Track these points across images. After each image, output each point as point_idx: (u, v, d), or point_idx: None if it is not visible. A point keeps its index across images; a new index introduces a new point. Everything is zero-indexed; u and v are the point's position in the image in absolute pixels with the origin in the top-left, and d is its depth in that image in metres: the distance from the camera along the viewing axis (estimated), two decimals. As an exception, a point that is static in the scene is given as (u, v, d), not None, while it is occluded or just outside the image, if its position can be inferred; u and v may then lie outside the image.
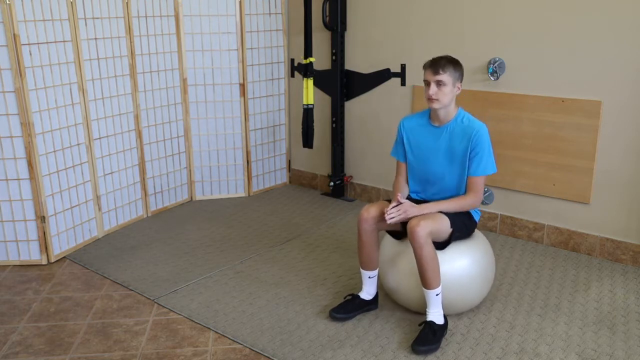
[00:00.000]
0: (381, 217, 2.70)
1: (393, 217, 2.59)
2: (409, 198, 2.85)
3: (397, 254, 2.77)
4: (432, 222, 2.55)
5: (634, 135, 3.21)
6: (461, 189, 2.74)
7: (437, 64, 2.62)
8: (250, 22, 4.32)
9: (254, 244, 3.70)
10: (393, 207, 2.61)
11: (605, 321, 2.76)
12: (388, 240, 2.87)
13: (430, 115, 2.78)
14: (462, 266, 2.69)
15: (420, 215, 2.60)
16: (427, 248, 2.51)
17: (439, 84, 2.61)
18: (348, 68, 4.32)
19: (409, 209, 2.61)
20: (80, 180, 3.61)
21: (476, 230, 2.88)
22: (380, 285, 2.98)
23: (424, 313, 2.66)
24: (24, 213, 3.36)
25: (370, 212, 2.71)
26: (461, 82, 2.69)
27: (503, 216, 3.76)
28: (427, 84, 2.64)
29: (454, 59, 2.67)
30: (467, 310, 2.82)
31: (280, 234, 3.84)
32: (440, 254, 2.64)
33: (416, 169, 2.83)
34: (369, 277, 2.84)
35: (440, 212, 2.64)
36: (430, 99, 2.64)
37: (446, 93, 2.62)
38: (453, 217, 2.65)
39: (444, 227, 2.61)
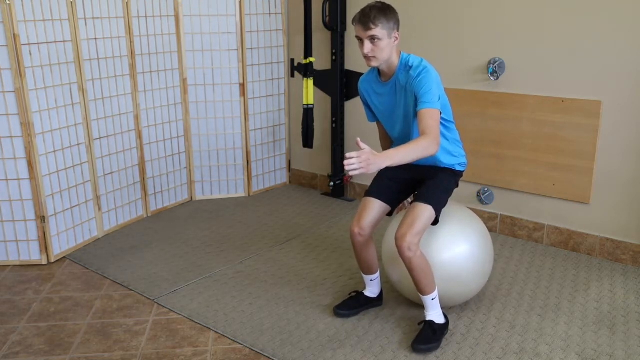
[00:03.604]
0: (373, 225, 2.65)
1: (354, 168, 2.12)
2: (390, 182, 2.74)
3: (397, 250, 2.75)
4: (417, 229, 2.43)
5: (634, 135, 3.21)
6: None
7: (367, 18, 2.34)
8: (250, 22, 4.32)
9: (254, 244, 3.70)
10: (354, 154, 2.16)
11: (605, 321, 2.76)
12: (390, 234, 2.83)
13: (378, 70, 2.58)
14: (460, 254, 2.65)
15: (403, 223, 2.46)
16: (417, 260, 2.45)
17: (372, 39, 2.37)
18: (348, 68, 4.32)
19: (371, 160, 2.15)
20: (80, 180, 3.61)
21: (474, 217, 2.82)
22: (386, 280, 2.98)
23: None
24: (24, 213, 3.36)
25: (361, 226, 2.64)
26: (398, 30, 2.42)
27: (503, 216, 3.76)
28: (360, 40, 2.39)
29: (385, 5, 2.39)
30: (466, 301, 2.81)
31: (280, 234, 3.84)
32: (435, 241, 2.61)
33: (385, 127, 2.72)
34: (371, 280, 2.85)
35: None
36: (366, 57, 2.41)
37: (383, 48, 2.38)
38: (436, 199, 2.50)
39: (429, 219, 2.48)
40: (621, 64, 3.17)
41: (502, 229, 3.78)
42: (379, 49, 2.40)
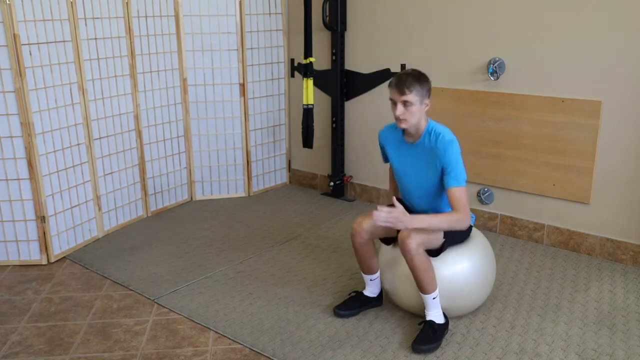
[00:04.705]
0: (374, 229, 2.69)
1: (383, 219, 2.39)
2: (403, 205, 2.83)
3: (393, 258, 2.76)
4: (423, 234, 2.50)
5: (634, 135, 3.21)
6: (442, 203, 2.68)
7: (402, 83, 2.49)
8: (250, 22, 4.32)
9: (254, 244, 3.70)
10: (386, 209, 2.43)
11: (605, 321, 2.76)
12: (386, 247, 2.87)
13: (404, 130, 2.71)
14: (463, 270, 2.68)
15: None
16: (419, 258, 2.48)
17: (405, 103, 2.50)
18: (348, 68, 4.32)
19: (401, 218, 2.41)
20: (80, 180, 3.61)
21: (477, 232, 2.87)
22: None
23: (422, 315, 2.66)
24: (24, 213, 3.36)
25: (362, 225, 2.68)
26: (429, 97, 2.57)
27: (503, 216, 3.76)
28: (394, 103, 2.54)
29: (420, 74, 2.54)
30: (467, 312, 2.82)
31: (280, 234, 3.84)
32: (440, 258, 2.64)
33: (400, 182, 2.80)
34: (371, 280, 2.85)
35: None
36: (398, 120, 2.55)
37: (414, 112, 2.51)
38: (448, 232, 2.61)
39: (436, 236, 2.57)
40: (621, 64, 3.17)
41: (502, 229, 3.78)
42: (410, 113, 2.52)
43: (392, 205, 2.50)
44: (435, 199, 2.68)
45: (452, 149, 2.54)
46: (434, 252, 2.61)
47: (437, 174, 2.60)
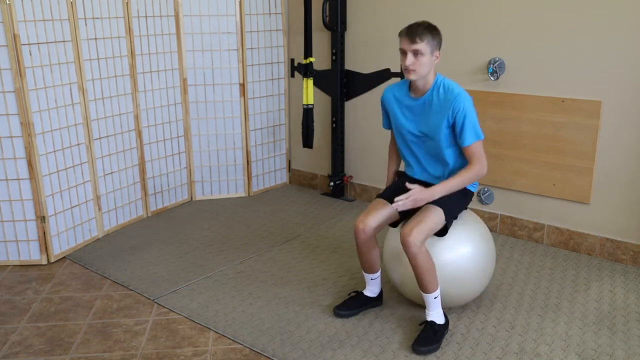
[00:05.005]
0: (378, 226, 2.67)
1: (402, 206, 2.45)
2: (407, 177, 2.79)
3: (401, 249, 2.74)
4: (424, 226, 2.47)
5: (634, 135, 3.21)
6: (456, 158, 2.63)
7: (413, 32, 2.44)
8: (250, 22, 4.32)
9: (254, 244, 3.70)
10: (402, 196, 2.46)
11: (605, 321, 2.76)
12: (392, 234, 2.83)
13: (410, 85, 2.65)
14: (463, 255, 2.66)
15: (411, 220, 2.52)
16: (421, 256, 2.47)
17: (416, 53, 2.45)
18: (348, 68, 4.32)
19: (420, 197, 2.46)
20: (80, 180, 3.61)
21: (477, 219, 2.83)
22: (386, 279, 2.98)
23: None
24: (24, 213, 3.36)
25: (365, 222, 2.65)
26: (439, 49, 2.52)
27: (503, 216, 3.76)
28: (404, 53, 2.48)
29: (431, 25, 2.49)
30: (467, 302, 2.81)
31: (280, 234, 3.84)
32: (439, 242, 2.62)
33: (404, 143, 2.74)
34: (372, 279, 2.85)
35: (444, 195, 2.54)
36: (407, 70, 2.49)
37: (424, 63, 2.46)
38: (448, 206, 2.56)
39: (438, 223, 2.53)
40: (621, 64, 3.17)
41: (502, 229, 3.78)
42: (420, 63, 2.47)
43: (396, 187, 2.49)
44: (441, 155, 2.63)
45: (465, 101, 2.50)
46: (440, 233, 2.59)
47: (445, 128, 2.55)
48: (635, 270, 3.28)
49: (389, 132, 2.91)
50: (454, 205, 2.61)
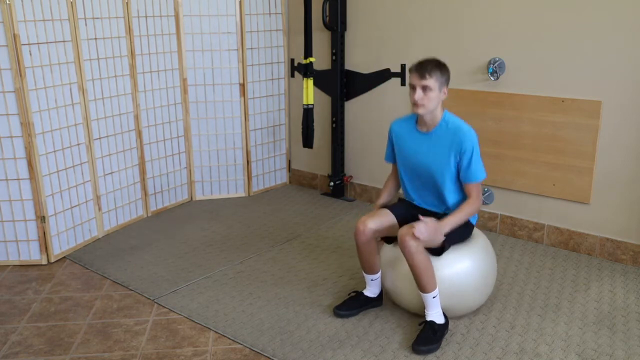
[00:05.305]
0: (378, 229, 2.70)
1: (425, 235, 2.48)
2: (409, 204, 2.84)
3: (395, 257, 2.76)
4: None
5: (634, 135, 3.21)
6: (454, 194, 2.69)
7: (423, 68, 2.54)
8: (250, 22, 4.32)
9: (254, 244, 3.70)
10: (422, 224, 2.50)
11: (605, 321, 2.76)
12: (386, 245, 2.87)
13: (417, 120, 2.73)
14: (463, 269, 2.67)
15: (411, 224, 2.53)
16: (419, 256, 2.49)
17: (425, 89, 2.54)
18: (348, 68, 4.32)
19: (430, 229, 2.50)
20: (80, 180, 3.61)
21: (478, 232, 2.87)
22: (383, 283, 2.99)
23: (422, 315, 2.66)
24: (24, 213, 3.36)
25: (366, 224, 2.68)
26: (447, 86, 2.61)
27: (503, 216, 3.76)
28: (413, 88, 2.57)
29: (440, 62, 2.59)
30: (468, 312, 2.81)
31: (280, 234, 3.84)
32: (442, 257, 2.63)
33: (407, 174, 2.81)
34: (372, 280, 2.85)
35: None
36: (415, 104, 2.57)
37: (432, 98, 2.55)
38: (450, 233, 2.61)
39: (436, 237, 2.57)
40: (621, 64, 3.17)
41: (502, 229, 3.78)
42: (429, 98, 2.55)
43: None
44: (442, 189, 2.68)
45: (473, 140, 2.59)
46: (436, 252, 2.61)
47: (449, 164, 2.62)
48: (635, 270, 3.28)
49: (384, 159, 2.95)
50: (454, 232, 2.63)
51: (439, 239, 2.54)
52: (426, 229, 2.48)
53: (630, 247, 3.32)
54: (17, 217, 3.36)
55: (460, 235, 2.69)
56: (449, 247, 2.63)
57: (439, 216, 2.68)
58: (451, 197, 2.69)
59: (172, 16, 4.11)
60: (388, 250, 2.83)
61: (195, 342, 2.65)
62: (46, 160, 3.36)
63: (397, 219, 2.74)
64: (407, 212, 2.77)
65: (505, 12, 3.50)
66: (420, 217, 2.54)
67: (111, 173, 3.84)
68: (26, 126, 3.24)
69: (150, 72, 4.02)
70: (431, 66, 2.54)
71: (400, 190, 2.93)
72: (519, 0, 3.43)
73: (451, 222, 2.57)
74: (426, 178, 2.72)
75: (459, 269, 2.67)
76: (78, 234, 3.63)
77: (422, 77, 2.53)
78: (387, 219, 2.74)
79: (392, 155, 2.88)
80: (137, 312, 2.92)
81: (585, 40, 3.26)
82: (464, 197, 2.69)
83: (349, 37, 4.25)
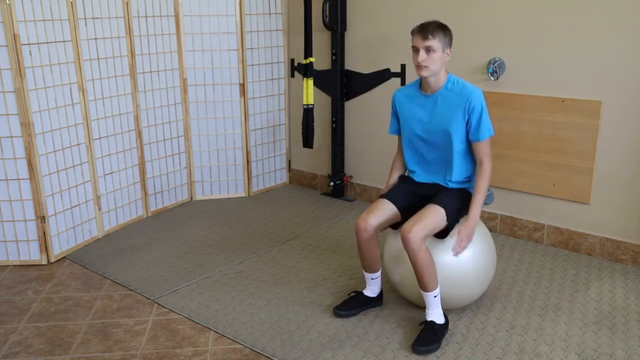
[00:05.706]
0: (379, 224, 2.68)
1: (463, 248, 2.61)
2: (408, 185, 2.81)
3: (401, 249, 2.74)
4: (425, 224, 2.49)
5: (634, 135, 3.21)
6: (459, 157, 2.66)
7: (426, 29, 2.51)
8: (250, 22, 4.32)
9: (254, 244, 3.70)
10: (457, 241, 2.60)
11: (605, 321, 2.76)
12: (392, 235, 2.84)
13: (421, 83, 2.69)
14: (464, 256, 2.66)
15: (413, 218, 2.53)
16: (422, 254, 2.48)
17: (428, 50, 2.51)
18: (348, 68, 4.32)
19: (468, 231, 2.60)
20: (80, 180, 3.61)
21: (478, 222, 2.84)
22: (386, 279, 2.98)
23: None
24: (24, 213, 3.36)
25: (367, 221, 2.66)
26: (450, 47, 2.58)
27: (503, 216, 3.76)
28: (416, 50, 2.54)
29: (443, 23, 2.57)
30: (468, 304, 2.81)
31: (280, 234, 3.84)
32: (440, 244, 2.63)
33: (411, 144, 2.77)
34: (372, 279, 2.85)
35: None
36: (419, 66, 2.54)
37: (435, 60, 2.52)
38: (450, 207, 2.59)
39: (439, 223, 2.55)
40: (621, 64, 3.17)
41: (502, 229, 3.78)
42: (432, 60, 2.53)
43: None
44: (451, 151, 2.66)
45: (480, 98, 2.58)
46: (441, 234, 2.61)
47: (457, 124, 2.60)
48: (635, 270, 3.28)
49: (389, 132, 2.92)
50: (455, 206, 2.62)
51: (472, 235, 2.63)
52: (467, 239, 2.58)
53: (630, 247, 3.32)
54: (17, 217, 3.36)
55: (460, 206, 2.67)
56: (453, 225, 2.62)
57: (445, 189, 2.69)
58: (458, 160, 2.66)
59: (172, 16, 4.11)
60: (394, 243, 2.79)
61: (195, 342, 2.65)
62: (46, 160, 3.36)
63: (397, 207, 2.71)
64: (406, 198, 2.74)
65: (505, 12, 3.50)
66: (454, 233, 2.60)
67: (111, 173, 3.84)
68: (26, 126, 3.24)
69: (150, 72, 4.02)
70: (434, 27, 2.52)
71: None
72: (519, 0, 3.43)
73: (477, 207, 2.62)
74: (433, 143, 2.68)
75: (460, 255, 2.65)
76: (78, 234, 3.63)
77: (425, 37, 2.51)
78: (387, 211, 2.70)
79: (397, 126, 2.85)
80: (137, 312, 2.92)
81: (585, 40, 3.26)
82: (469, 163, 2.68)
83: (349, 37, 4.25)
